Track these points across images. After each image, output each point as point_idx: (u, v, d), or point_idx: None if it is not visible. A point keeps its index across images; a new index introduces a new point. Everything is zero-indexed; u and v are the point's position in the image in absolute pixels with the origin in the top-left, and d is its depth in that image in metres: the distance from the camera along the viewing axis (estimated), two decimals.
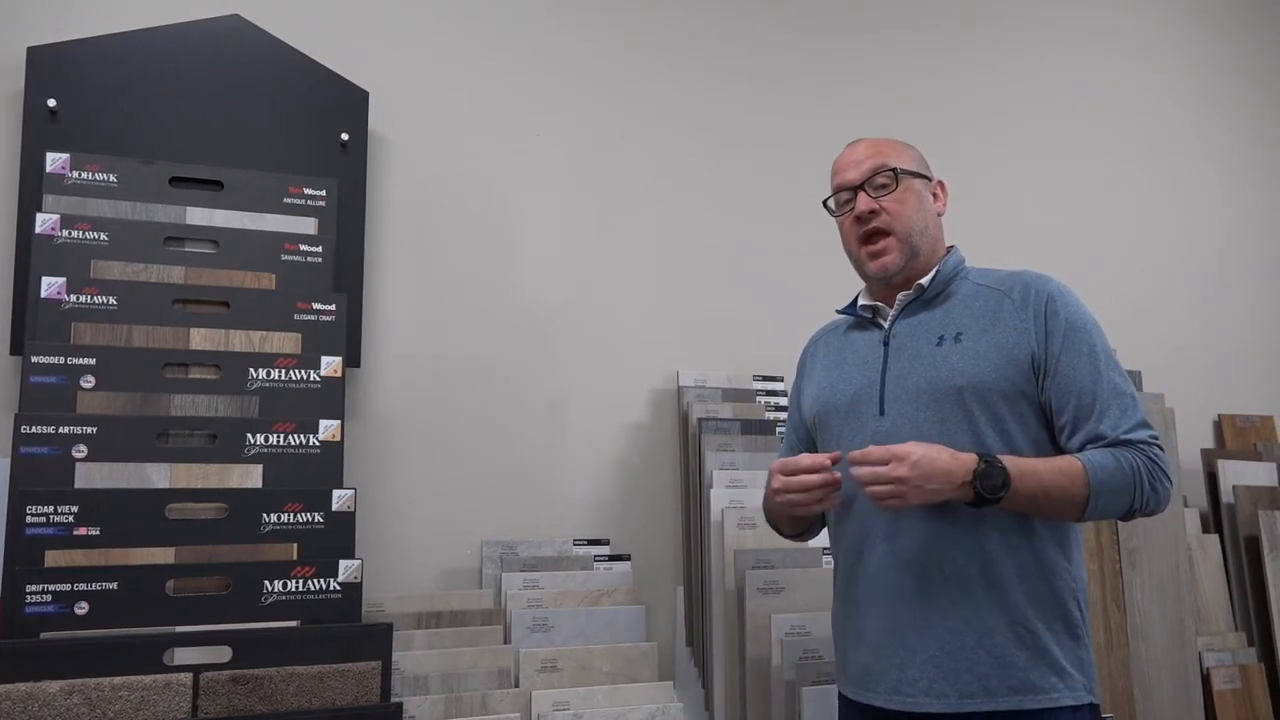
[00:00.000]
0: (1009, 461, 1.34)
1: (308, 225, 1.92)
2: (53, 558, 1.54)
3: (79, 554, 1.55)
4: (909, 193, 1.52)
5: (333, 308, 1.84)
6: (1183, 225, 2.96)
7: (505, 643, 1.89)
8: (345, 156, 2.03)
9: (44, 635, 1.49)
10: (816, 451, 1.57)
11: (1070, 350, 1.41)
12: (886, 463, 1.33)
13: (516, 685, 1.82)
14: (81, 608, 1.51)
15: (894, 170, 1.51)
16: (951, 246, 1.58)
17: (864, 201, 1.51)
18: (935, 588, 1.40)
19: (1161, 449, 1.40)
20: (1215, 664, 2.34)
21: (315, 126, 2.01)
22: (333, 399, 1.78)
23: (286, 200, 1.92)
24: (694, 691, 2.10)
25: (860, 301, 1.60)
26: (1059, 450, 1.43)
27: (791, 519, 1.62)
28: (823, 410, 1.58)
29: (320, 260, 1.89)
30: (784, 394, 2.34)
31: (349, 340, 1.94)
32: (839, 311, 1.64)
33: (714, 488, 2.06)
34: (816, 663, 1.86)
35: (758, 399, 2.29)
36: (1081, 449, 1.39)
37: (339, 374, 1.79)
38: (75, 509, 1.55)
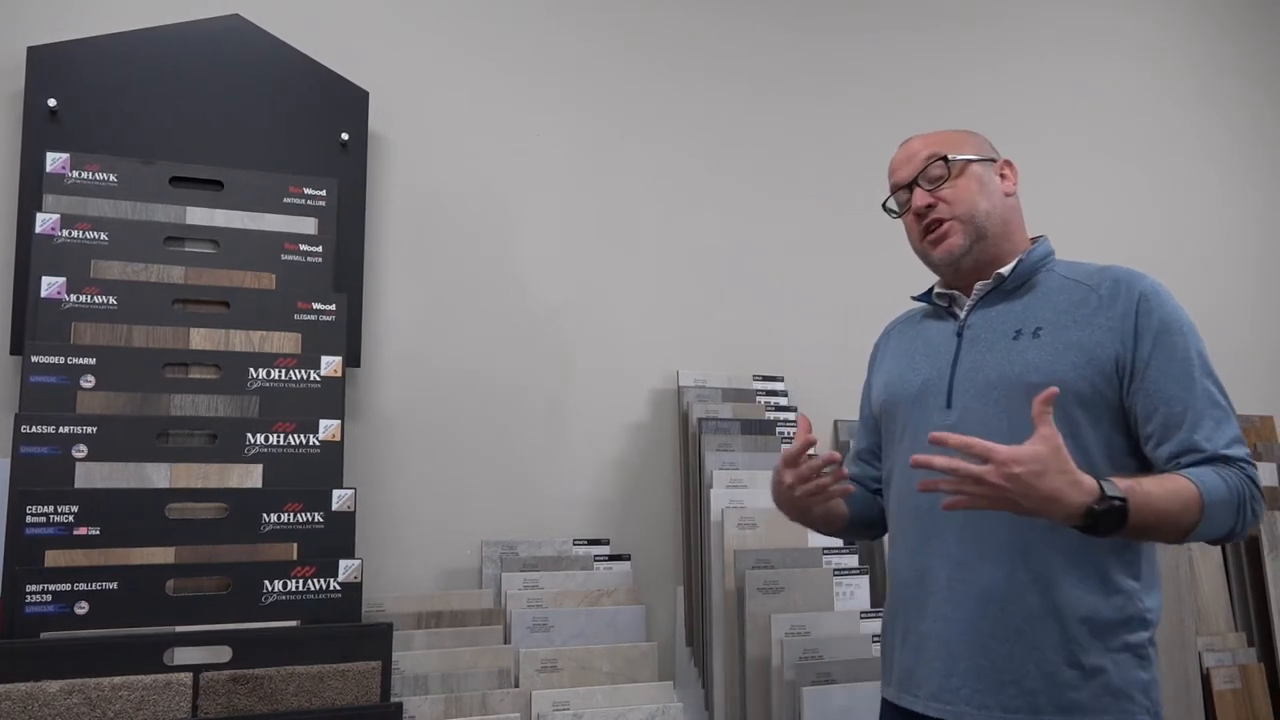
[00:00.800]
0: (1129, 492, 1.20)
1: (308, 225, 1.92)
2: (53, 558, 1.53)
3: (79, 554, 1.55)
4: (966, 178, 1.45)
5: (333, 308, 1.84)
6: (1183, 225, 2.96)
7: (505, 643, 1.89)
8: (345, 156, 2.03)
9: (44, 635, 1.49)
10: (882, 448, 1.53)
11: (1161, 355, 1.31)
12: (986, 460, 1.17)
13: (516, 685, 1.82)
14: (81, 608, 1.51)
15: (946, 159, 1.45)
16: (1040, 237, 1.50)
17: (919, 196, 1.46)
18: (987, 595, 1.33)
19: (1255, 467, 1.29)
20: (1215, 664, 2.34)
21: (315, 126, 2.01)
22: (333, 399, 1.77)
23: (286, 200, 1.91)
24: (694, 691, 2.10)
25: (937, 289, 1.52)
26: (1137, 460, 1.33)
27: (825, 513, 1.51)
28: (889, 400, 1.52)
29: (320, 260, 1.88)
30: (784, 394, 2.34)
31: (349, 340, 1.94)
32: (914, 298, 1.57)
33: (714, 488, 2.06)
34: (816, 663, 1.86)
35: (758, 399, 2.29)
36: (1170, 460, 1.29)
37: (339, 374, 1.79)
38: (75, 509, 1.55)
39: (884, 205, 1.55)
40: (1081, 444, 1.31)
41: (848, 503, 1.55)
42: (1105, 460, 1.32)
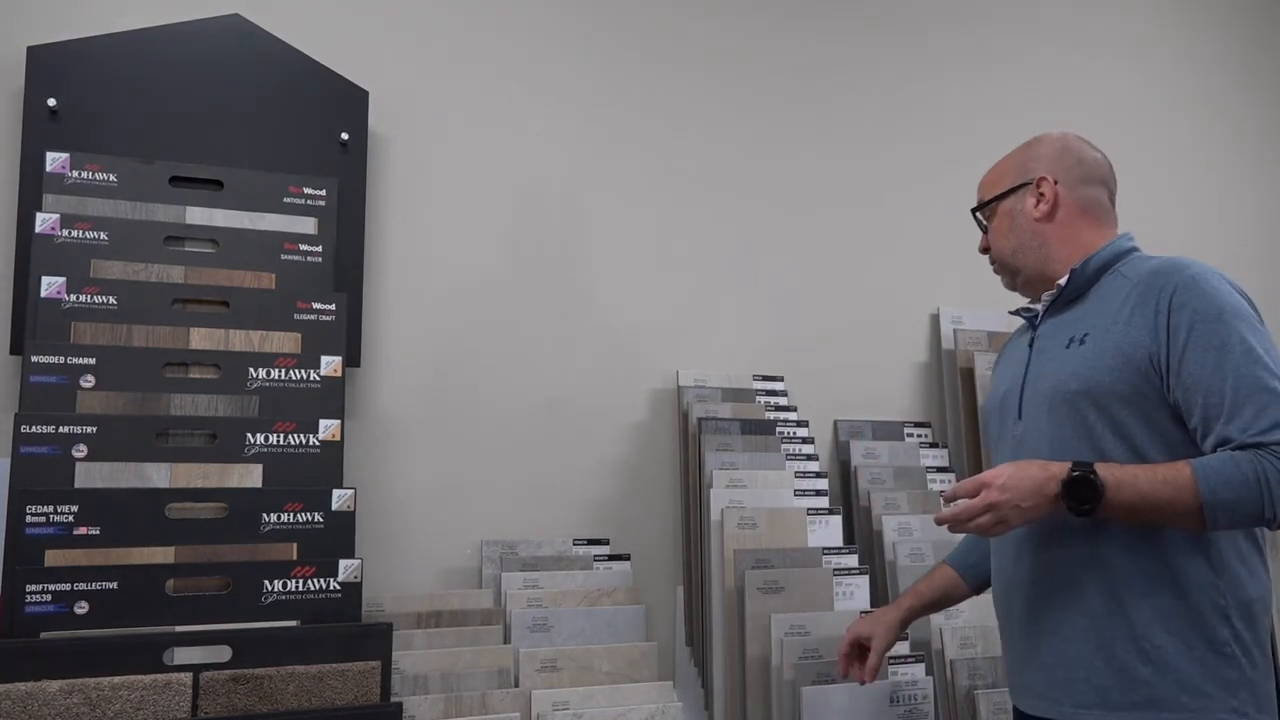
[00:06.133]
0: (1105, 471, 1.28)
1: (308, 225, 1.92)
2: (53, 557, 1.54)
3: (79, 554, 1.55)
4: (999, 219, 1.57)
5: (333, 307, 1.84)
6: (1182, 226, 2.96)
7: (505, 642, 1.89)
8: (345, 156, 2.03)
9: (44, 635, 1.49)
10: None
11: (1196, 346, 1.30)
12: (978, 493, 1.32)
13: (516, 685, 1.82)
14: (81, 607, 1.51)
15: (981, 207, 1.60)
16: (1116, 238, 1.50)
17: (981, 240, 1.62)
18: (1048, 596, 1.40)
19: None
20: None
21: (315, 126, 2.01)
22: (333, 399, 1.78)
23: (286, 200, 1.91)
24: (694, 691, 2.10)
25: (1022, 306, 1.62)
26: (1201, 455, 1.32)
27: (946, 599, 1.74)
28: (984, 412, 1.66)
29: (320, 260, 1.89)
30: (784, 394, 2.34)
31: (349, 340, 1.94)
32: (1010, 313, 1.67)
33: (714, 488, 2.06)
34: (816, 662, 1.86)
35: (758, 399, 2.29)
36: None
37: (339, 374, 1.79)
38: (75, 509, 1.55)
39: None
40: (1134, 446, 1.34)
41: (967, 577, 1.69)
42: (1166, 457, 1.33)
